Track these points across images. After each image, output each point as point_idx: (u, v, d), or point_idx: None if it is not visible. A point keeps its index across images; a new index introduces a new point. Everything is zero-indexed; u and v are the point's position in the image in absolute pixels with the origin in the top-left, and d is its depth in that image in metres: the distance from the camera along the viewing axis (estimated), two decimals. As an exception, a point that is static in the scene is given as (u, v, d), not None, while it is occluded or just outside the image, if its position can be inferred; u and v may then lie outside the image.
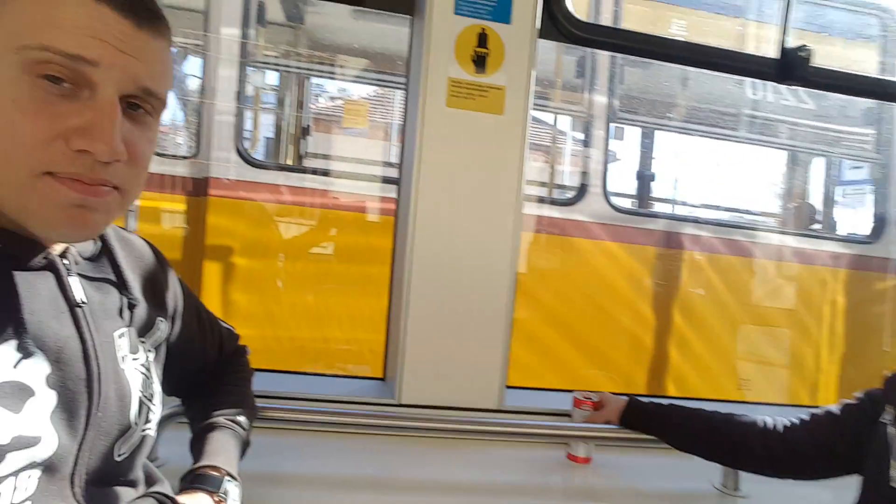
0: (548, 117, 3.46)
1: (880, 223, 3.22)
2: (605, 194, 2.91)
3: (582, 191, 2.91)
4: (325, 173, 3.06)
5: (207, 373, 0.92)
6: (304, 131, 3.37)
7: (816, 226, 3.57)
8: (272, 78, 3.35)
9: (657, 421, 1.22)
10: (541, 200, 3.00)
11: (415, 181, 1.32)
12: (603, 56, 2.90)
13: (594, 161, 2.92)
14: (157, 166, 2.22)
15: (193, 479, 0.75)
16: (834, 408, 1.08)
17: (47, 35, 0.53)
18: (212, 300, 2.59)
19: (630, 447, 1.39)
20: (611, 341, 2.97)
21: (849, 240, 3.36)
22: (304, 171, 2.98)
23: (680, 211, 3.35)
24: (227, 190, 2.65)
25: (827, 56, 2.72)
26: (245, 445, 0.86)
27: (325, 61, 3.34)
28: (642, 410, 1.25)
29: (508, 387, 1.45)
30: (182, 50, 2.91)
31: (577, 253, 2.90)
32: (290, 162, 3.25)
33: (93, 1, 0.55)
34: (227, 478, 0.76)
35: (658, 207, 3.36)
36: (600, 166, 2.91)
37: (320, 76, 3.61)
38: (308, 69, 3.39)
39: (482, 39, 1.32)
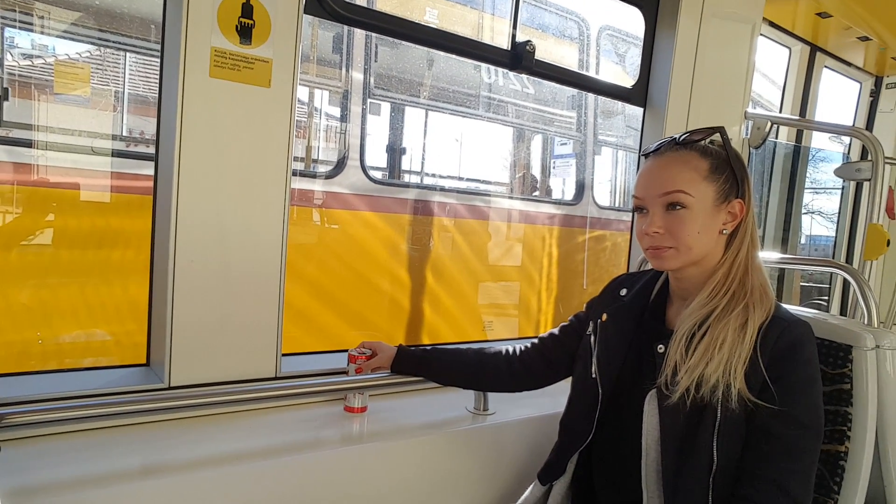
0: (306, 91, 3.43)
1: (580, 189, 4.00)
2: (363, 167, 3.04)
3: (341, 164, 3.00)
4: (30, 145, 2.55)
5: None
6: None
7: (536, 192, 4.26)
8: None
9: (423, 364, 1.39)
10: (301, 174, 3.01)
11: (176, 154, 1.24)
12: (359, 34, 2.96)
13: (352, 135, 3.02)
14: None
15: None
16: (556, 330, 1.38)
17: None
18: None
19: (401, 392, 1.55)
20: (373, 305, 3.15)
21: (559, 203, 4.08)
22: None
23: (428, 181, 3.67)
24: None
25: (545, 50, 3.23)
26: None
27: (27, 10, 2.75)
28: (410, 356, 1.40)
29: (286, 354, 1.47)
30: None
31: (337, 223, 3.00)
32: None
33: None
34: None
35: (410, 178, 3.63)
36: (358, 140, 3.03)
37: (20, 27, 2.96)
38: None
39: (247, 10, 1.28)
